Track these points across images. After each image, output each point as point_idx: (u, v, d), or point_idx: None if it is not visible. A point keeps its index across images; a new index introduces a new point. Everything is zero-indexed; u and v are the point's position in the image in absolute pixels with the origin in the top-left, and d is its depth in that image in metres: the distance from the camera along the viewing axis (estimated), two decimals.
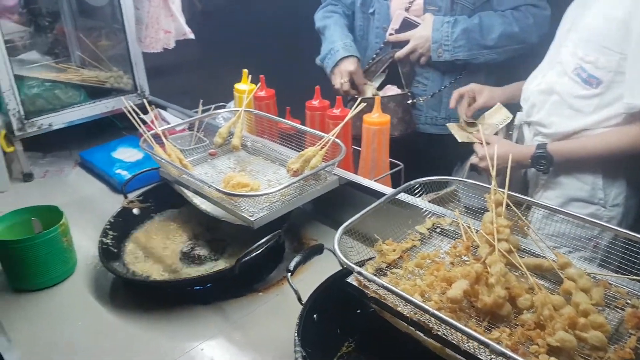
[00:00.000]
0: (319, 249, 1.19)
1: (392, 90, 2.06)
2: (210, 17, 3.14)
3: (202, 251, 1.52)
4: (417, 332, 0.95)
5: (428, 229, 1.20)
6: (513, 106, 1.70)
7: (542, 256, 1.04)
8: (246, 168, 1.62)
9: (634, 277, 0.97)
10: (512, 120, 1.66)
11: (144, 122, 1.63)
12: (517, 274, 1.00)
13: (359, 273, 0.96)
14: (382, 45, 2.10)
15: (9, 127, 1.96)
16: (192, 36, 2.14)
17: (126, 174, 1.89)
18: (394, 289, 0.89)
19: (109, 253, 1.44)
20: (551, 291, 0.98)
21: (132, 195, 1.64)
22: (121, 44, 2.20)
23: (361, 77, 2.06)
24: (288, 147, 1.66)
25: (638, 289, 0.96)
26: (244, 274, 1.29)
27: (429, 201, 1.27)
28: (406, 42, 1.99)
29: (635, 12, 1.27)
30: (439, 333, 0.89)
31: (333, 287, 1.11)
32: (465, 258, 1.07)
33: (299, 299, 1.08)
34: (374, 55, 2.13)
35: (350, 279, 1.05)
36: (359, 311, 1.12)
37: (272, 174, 1.57)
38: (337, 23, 2.17)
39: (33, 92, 2.06)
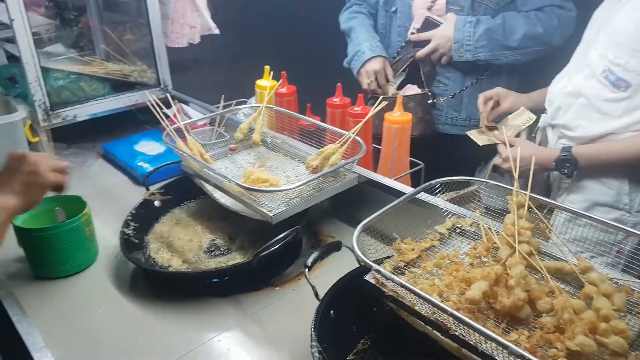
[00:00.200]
0: (336, 246, 1.20)
1: (412, 89, 2.05)
2: (233, 14, 3.16)
3: (220, 245, 1.54)
4: (434, 331, 0.95)
5: (448, 229, 1.20)
6: (537, 111, 1.68)
7: (564, 260, 1.03)
8: (266, 164, 1.63)
9: None
10: (536, 123, 1.64)
11: (167, 116, 1.65)
12: (537, 276, 0.99)
13: (377, 271, 0.96)
14: (403, 45, 2.09)
15: (34, 118, 2.00)
16: (217, 31, 2.16)
17: (148, 167, 1.91)
18: (412, 287, 0.89)
19: (130, 243, 1.46)
20: (572, 295, 0.97)
21: (153, 188, 1.66)
22: (145, 38, 2.22)
23: (384, 77, 2.05)
24: (308, 144, 1.67)
25: None
26: (261, 268, 1.30)
27: (448, 200, 1.26)
28: (427, 42, 1.98)
29: None
30: (457, 333, 0.89)
31: (350, 285, 1.11)
32: (485, 259, 1.06)
33: (316, 295, 1.08)
34: (395, 54, 2.12)
35: (368, 277, 1.05)
36: (375, 309, 1.12)
37: (291, 170, 1.58)
38: (363, 25, 2.16)
39: (59, 83, 2.09)
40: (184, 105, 2.23)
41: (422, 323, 0.97)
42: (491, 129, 1.73)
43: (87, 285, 1.41)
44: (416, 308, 0.95)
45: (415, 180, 1.69)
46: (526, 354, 0.75)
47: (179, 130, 1.60)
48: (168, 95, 1.91)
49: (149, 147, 2.10)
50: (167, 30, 2.06)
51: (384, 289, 1.01)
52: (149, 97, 1.68)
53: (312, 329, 1.00)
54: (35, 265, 1.43)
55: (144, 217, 1.58)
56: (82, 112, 2.10)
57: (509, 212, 1.08)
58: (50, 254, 1.39)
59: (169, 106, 1.88)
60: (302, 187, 1.36)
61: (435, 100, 2.03)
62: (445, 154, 1.98)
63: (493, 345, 0.81)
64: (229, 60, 3.19)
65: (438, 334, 0.94)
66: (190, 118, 2.06)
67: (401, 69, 2.08)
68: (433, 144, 2.01)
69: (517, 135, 1.66)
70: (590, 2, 1.53)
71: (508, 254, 0.98)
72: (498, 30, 1.87)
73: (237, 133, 1.70)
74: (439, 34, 1.95)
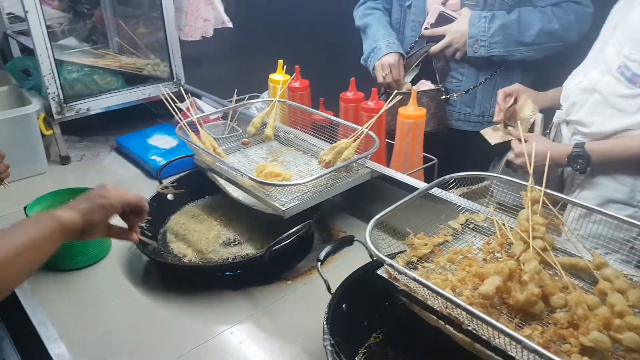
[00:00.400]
0: (349, 240, 1.20)
1: (425, 85, 2.04)
2: (247, 7, 3.16)
3: (232, 238, 1.54)
4: (447, 326, 0.95)
5: (461, 224, 1.19)
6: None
7: (578, 256, 1.02)
8: (278, 158, 1.63)
9: None
10: (550, 119, 1.63)
11: (180, 110, 1.65)
12: (551, 272, 0.99)
13: (390, 265, 0.96)
14: (417, 40, 2.08)
15: (48, 111, 2.01)
16: (230, 25, 2.16)
17: (161, 160, 1.92)
18: (425, 282, 0.89)
19: (143, 236, 1.47)
20: (585, 291, 0.97)
21: (166, 181, 1.67)
22: (159, 31, 2.23)
23: (398, 71, 2.04)
24: (320, 138, 1.67)
25: None
26: (273, 262, 1.31)
27: (460, 195, 1.26)
28: (441, 37, 1.97)
29: None
30: (470, 328, 0.89)
31: (362, 279, 1.11)
32: (498, 255, 1.06)
33: (329, 288, 1.08)
34: (409, 49, 2.11)
35: (381, 271, 1.05)
36: (387, 303, 1.12)
37: (303, 165, 1.58)
38: (380, 22, 2.14)
39: (72, 76, 2.10)
40: (196, 99, 2.23)
41: (435, 318, 0.97)
42: (508, 125, 1.71)
43: (100, 278, 1.42)
44: (429, 302, 0.95)
45: (428, 176, 1.69)
46: (540, 348, 0.74)
47: (192, 124, 1.61)
48: (181, 89, 1.92)
49: (162, 140, 2.11)
50: (180, 23, 2.07)
51: (396, 284, 1.01)
52: (162, 90, 1.69)
53: (325, 322, 1.00)
54: None
55: (157, 210, 1.58)
56: (96, 105, 2.11)
57: (522, 208, 1.07)
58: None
59: (182, 100, 1.88)
60: (314, 181, 1.36)
61: (448, 96, 2.02)
62: (458, 150, 1.97)
63: (506, 340, 0.81)
64: (242, 55, 3.20)
65: (451, 328, 0.94)
66: (202, 112, 2.07)
67: (414, 64, 2.06)
68: (446, 140, 2.00)
69: (531, 131, 1.64)
70: None
71: (522, 249, 0.98)
72: (513, 26, 1.86)
73: (249, 127, 1.71)
74: (454, 29, 1.94)
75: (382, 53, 2.05)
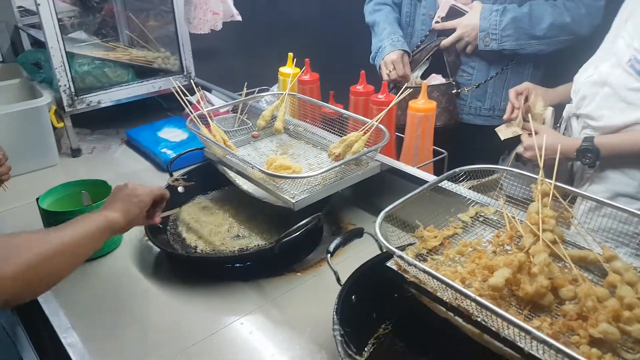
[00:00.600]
0: (359, 233, 1.20)
1: (436, 79, 2.03)
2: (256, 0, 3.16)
3: (242, 230, 1.55)
4: (456, 317, 0.96)
5: (471, 217, 1.20)
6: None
7: (587, 248, 1.02)
8: (288, 151, 1.64)
9: None
10: (560, 113, 1.62)
11: (190, 103, 1.66)
12: (560, 265, 0.99)
13: (400, 257, 0.96)
14: (427, 33, 2.08)
15: (59, 103, 2.03)
16: (239, 18, 2.16)
17: (171, 153, 1.93)
18: (435, 273, 0.89)
19: (154, 228, 1.48)
20: (595, 284, 0.97)
21: (176, 174, 1.68)
22: (169, 24, 2.24)
23: (402, 69, 2.03)
24: (330, 131, 1.67)
25: None
26: (283, 253, 1.32)
27: (470, 188, 1.26)
28: (452, 31, 1.97)
29: None
30: (479, 319, 0.89)
31: (372, 271, 1.12)
32: (508, 247, 1.06)
33: (338, 280, 1.09)
34: (419, 43, 2.11)
35: (390, 263, 1.05)
36: (396, 295, 1.13)
37: (313, 158, 1.59)
38: (387, 19, 2.14)
39: (83, 69, 2.11)
40: (206, 93, 2.24)
41: (444, 309, 0.98)
42: (525, 121, 1.70)
43: (111, 268, 1.44)
44: (438, 294, 0.96)
45: (438, 170, 1.69)
46: (549, 339, 0.75)
47: (202, 117, 1.62)
48: (192, 82, 1.93)
49: (172, 133, 2.13)
50: (189, 16, 2.07)
51: (405, 275, 1.01)
52: (173, 83, 1.70)
53: (334, 313, 1.01)
54: None
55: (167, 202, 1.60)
56: (107, 97, 2.12)
57: (531, 201, 1.07)
58: None
59: (192, 93, 1.89)
60: (324, 174, 1.36)
61: (459, 90, 2.01)
62: (468, 144, 1.96)
63: (515, 331, 0.81)
64: (251, 48, 3.20)
65: (460, 320, 0.95)
66: (213, 105, 2.08)
67: (425, 58, 2.06)
68: (456, 134, 1.99)
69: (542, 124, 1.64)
70: None
71: (532, 242, 0.98)
72: (524, 19, 1.85)
73: (259, 120, 1.71)
74: (464, 22, 1.93)
75: (386, 52, 2.05)
